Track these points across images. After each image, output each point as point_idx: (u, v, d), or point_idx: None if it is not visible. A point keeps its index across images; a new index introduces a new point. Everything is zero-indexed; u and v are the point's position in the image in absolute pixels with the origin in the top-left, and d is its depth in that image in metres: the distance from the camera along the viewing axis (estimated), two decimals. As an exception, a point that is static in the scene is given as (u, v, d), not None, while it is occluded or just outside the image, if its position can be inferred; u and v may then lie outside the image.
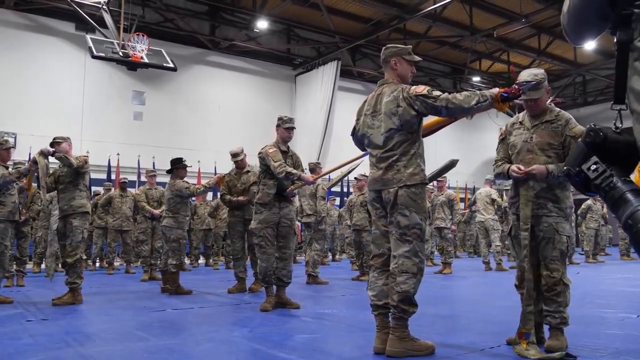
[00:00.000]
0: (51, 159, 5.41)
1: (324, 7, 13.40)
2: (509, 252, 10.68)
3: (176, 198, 6.55)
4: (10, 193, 5.57)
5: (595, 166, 1.05)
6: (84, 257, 5.52)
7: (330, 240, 12.85)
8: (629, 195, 0.98)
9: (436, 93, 3.03)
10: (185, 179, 6.71)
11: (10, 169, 5.61)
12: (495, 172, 3.47)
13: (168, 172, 6.82)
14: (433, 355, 3.05)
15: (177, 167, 6.68)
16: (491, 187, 10.11)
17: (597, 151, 1.06)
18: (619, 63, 1.14)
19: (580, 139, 1.11)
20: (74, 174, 5.54)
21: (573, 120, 3.27)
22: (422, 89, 3.06)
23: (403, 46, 3.32)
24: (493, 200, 9.78)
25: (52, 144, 5.47)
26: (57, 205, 5.74)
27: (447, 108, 2.99)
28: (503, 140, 3.50)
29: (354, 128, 3.45)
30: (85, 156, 5.67)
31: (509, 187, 3.68)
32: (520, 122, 3.39)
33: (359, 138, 3.40)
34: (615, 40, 1.14)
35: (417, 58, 3.34)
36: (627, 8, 1.09)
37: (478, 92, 2.98)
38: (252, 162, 6.42)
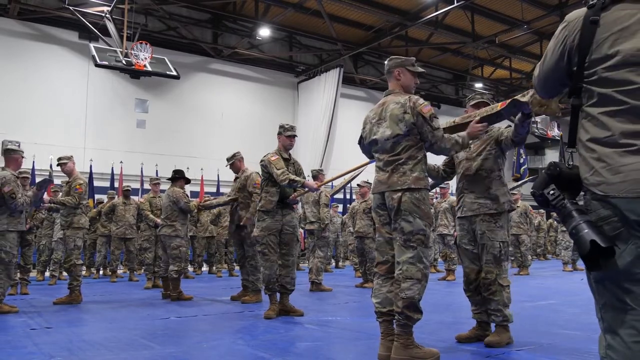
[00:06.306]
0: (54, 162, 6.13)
1: (326, 15, 13.45)
2: (512, 258, 10.64)
3: (173, 205, 6.60)
4: None
5: (552, 191, 1.47)
6: (79, 262, 6.20)
7: (334, 248, 12.81)
8: (574, 213, 1.40)
9: (435, 124, 3.12)
10: (187, 187, 6.78)
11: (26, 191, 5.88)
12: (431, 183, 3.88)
13: (169, 179, 6.91)
14: (438, 362, 3.04)
15: (179, 177, 6.80)
16: None
17: (554, 180, 1.48)
18: (572, 119, 1.54)
19: (544, 171, 1.53)
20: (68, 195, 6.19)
21: (496, 127, 3.75)
22: (427, 110, 3.11)
23: (406, 57, 3.34)
24: None
25: (58, 164, 6.27)
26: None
27: (433, 145, 3.15)
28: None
29: (361, 136, 3.47)
30: (79, 185, 6.13)
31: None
32: None
33: (366, 146, 3.42)
34: (570, 103, 1.54)
35: (421, 69, 3.38)
36: (578, 83, 1.50)
37: (460, 140, 3.23)
38: (256, 169, 6.38)
